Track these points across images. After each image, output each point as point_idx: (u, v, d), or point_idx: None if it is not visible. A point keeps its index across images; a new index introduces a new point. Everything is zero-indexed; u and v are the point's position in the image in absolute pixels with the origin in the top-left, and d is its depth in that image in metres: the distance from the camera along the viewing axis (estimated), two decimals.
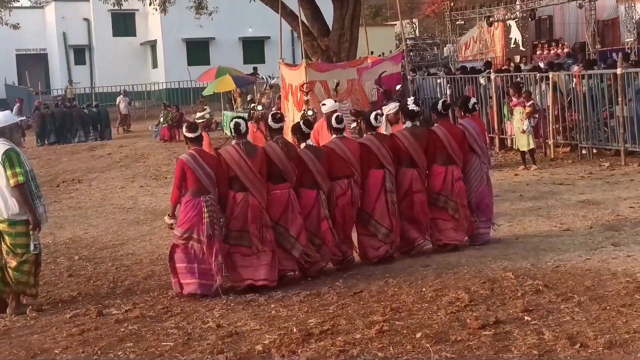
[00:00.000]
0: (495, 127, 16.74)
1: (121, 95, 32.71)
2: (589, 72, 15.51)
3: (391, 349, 5.36)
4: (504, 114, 16.17)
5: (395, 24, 46.11)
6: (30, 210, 7.24)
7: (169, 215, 7.86)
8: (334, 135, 8.44)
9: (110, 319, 6.81)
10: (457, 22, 40.18)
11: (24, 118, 25.18)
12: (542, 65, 22.15)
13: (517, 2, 33.27)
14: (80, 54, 45.43)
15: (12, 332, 6.72)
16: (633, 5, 29.59)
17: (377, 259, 8.36)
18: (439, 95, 17.87)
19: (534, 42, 32.70)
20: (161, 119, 27.11)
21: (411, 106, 8.76)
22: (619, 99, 13.87)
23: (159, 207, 13.22)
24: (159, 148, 23.77)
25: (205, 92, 28.72)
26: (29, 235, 7.28)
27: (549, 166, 14.43)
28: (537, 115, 14.70)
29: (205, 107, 26.01)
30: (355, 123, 11.69)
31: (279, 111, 11.04)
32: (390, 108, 10.43)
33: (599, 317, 5.73)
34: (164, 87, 40.40)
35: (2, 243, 7.35)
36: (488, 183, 9.11)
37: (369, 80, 15.35)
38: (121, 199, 15.00)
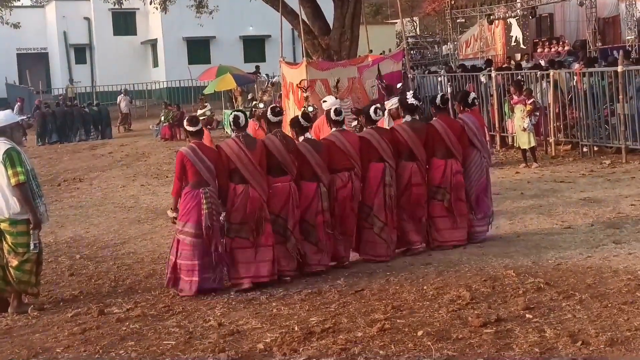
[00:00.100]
0: (496, 125, 16.73)
1: (122, 94, 32.73)
2: (590, 69, 15.50)
3: (393, 347, 5.37)
4: (505, 112, 16.16)
5: (396, 23, 46.05)
6: (31, 210, 7.24)
7: (171, 209, 7.90)
8: (333, 129, 8.46)
9: (112, 318, 6.82)
10: (458, 20, 40.12)
11: (25, 117, 25.21)
12: (542, 63, 22.13)
13: (518, 0, 33.27)
14: (80, 53, 45.42)
15: (13, 331, 6.72)
16: (634, 2, 29.55)
17: (381, 259, 8.35)
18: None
19: (535, 40, 32.68)
20: (162, 118, 27.15)
21: (410, 100, 8.78)
22: (620, 96, 13.86)
23: (160, 205, 13.21)
24: (160, 147, 23.78)
25: (206, 91, 28.75)
26: (30, 235, 7.29)
27: (550, 164, 14.42)
28: (538, 113, 14.69)
29: (206, 104, 26.01)
30: (356, 122, 11.68)
31: (277, 105, 11.02)
32: (393, 103, 10.44)
33: (600, 314, 5.73)
34: (165, 86, 40.43)
35: (4, 242, 7.35)
36: (487, 179, 9.11)
37: (370, 79, 15.33)
38: (122, 197, 15.00)
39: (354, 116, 12.49)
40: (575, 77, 15.59)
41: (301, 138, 8.16)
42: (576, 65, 17.73)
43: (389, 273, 7.68)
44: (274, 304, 6.95)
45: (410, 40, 43.71)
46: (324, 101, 11.18)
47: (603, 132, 14.70)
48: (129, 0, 25.16)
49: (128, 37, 44.57)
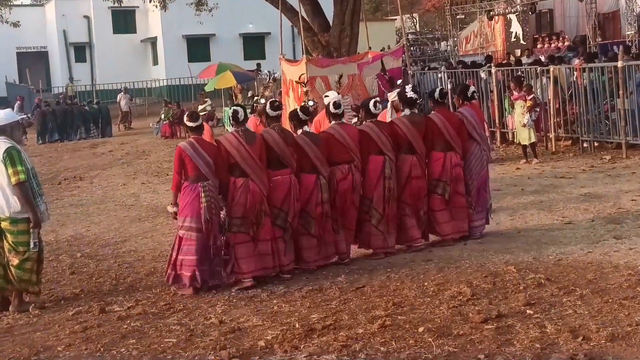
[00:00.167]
0: (497, 121, 16.73)
1: (122, 93, 32.72)
2: (590, 65, 15.49)
3: (394, 343, 5.37)
4: (505, 108, 16.17)
5: (396, 19, 46.01)
6: (31, 209, 7.24)
7: (171, 204, 7.92)
8: (332, 122, 8.47)
9: (113, 316, 6.82)
10: (458, 17, 40.09)
11: (25, 116, 25.19)
12: (542, 58, 22.11)
13: None
14: (80, 51, 45.39)
15: (15, 330, 6.73)
16: None
17: (377, 250, 8.37)
18: None
19: (535, 36, 32.63)
20: (162, 116, 27.16)
21: (409, 94, 8.78)
22: (620, 91, 13.86)
23: (160, 203, 13.22)
24: (160, 145, 23.79)
25: (206, 89, 28.73)
26: (30, 233, 7.29)
27: (551, 160, 14.43)
28: (538, 109, 14.69)
29: (206, 99, 25.99)
30: (357, 118, 11.68)
31: (277, 99, 11.02)
32: (396, 94, 10.43)
33: (601, 310, 5.73)
34: (165, 83, 40.43)
35: (4, 241, 7.35)
36: (487, 173, 9.11)
37: (370, 75, 15.33)
38: (123, 196, 15.01)
39: (354, 113, 12.49)
40: (575, 73, 15.58)
41: (299, 131, 8.17)
42: (576, 61, 17.72)
43: (389, 270, 7.69)
44: (274, 301, 6.95)
45: (410, 36, 43.65)
46: (326, 96, 11.19)
47: (603, 128, 14.70)
48: None
49: (128, 35, 44.54)
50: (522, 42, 33.10)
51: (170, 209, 7.96)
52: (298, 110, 8.43)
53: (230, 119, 7.91)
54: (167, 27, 41.65)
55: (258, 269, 7.62)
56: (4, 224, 7.30)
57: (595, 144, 14.88)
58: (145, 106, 36.37)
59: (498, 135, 16.78)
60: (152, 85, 40.73)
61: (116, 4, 24.24)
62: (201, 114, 14.70)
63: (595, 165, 13.34)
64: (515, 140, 15.72)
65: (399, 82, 15.66)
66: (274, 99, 9.19)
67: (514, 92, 14.95)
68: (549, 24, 33.46)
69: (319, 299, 6.83)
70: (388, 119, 9.63)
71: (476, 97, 9.61)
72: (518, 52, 30.79)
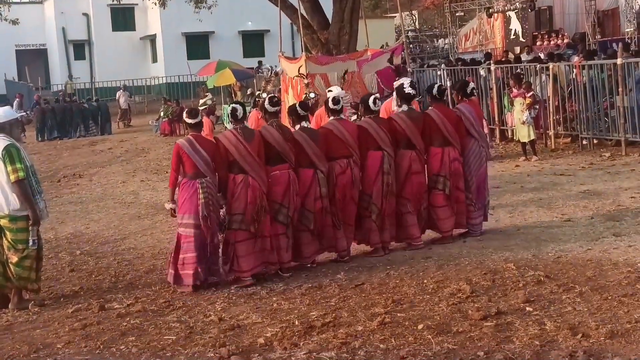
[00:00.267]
0: (496, 119, 16.73)
1: (121, 90, 32.71)
2: (589, 62, 15.49)
3: (393, 340, 5.37)
4: (505, 105, 16.16)
5: (395, 16, 46.00)
6: (30, 206, 7.24)
7: (168, 201, 7.92)
8: (331, 117, 8.48)
9: (113, 313, 6.82)
10: (457, 14, 40.09)
11: (24, 113, 25.20)
12: (542, 56, 22.11)
13: None
14: (79, 49, 45.38)
15: (14, 327, 6.73)
16: None
17: (374, 245, 8.38)
18: None
19: (534, 33, 32.62)
20: (161, 113, 27.15)
21: (407, 89, 8.78)
22: (620, 89, 13.85)
23: (159, 201, 13.21)
24: (160, 142, 23.79)
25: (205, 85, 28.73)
26: (29, 231, 7.28)
27: (550, 157, 14.42)
28: (537, 106, 14.68)
29: (207, 93, 25.98)
30: (356, 116, 11.68)
31: (275, 95, 11.03)
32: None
33: (600, 307, 5.74)
34: (164, 81, 40.42)
35: (3, 239, 7.35)
36: (485, 170, 9.11)
37: (369, 73, 15.32)
38: (122, 193, 15.00)
39: (354, 110, 12.49)
40: (574, 70, 15.57)
41: (297, 127, 8.17)
42: (575, 58, 17.73)
43: (389, 267, 7.69)
44: (274, 298, 6.95)
45: (410, 34, 43.64)
46: (330, 91, 11.20)
47: (603, 125, 14.70)
48: None
49: (127, 32, 44.53)
50: (521, 39, 33.09)
51: (168, 205, 7.97)
52: (297, 105, 8.43)
53: (229, 116, 7.91)
54: (166, 25, 41.65)
55: (257, 265, 7.63)
56: (3, 222, 7.30)
57: (595, 141, 14.88)
58: (144, 104, 36.37)
59: (497, 132, 16.78)
60: (151, 83, 40.71)
61: (115, 2, 24.24)
62: (202, 108, 14.70)
63: (595, 162, 13.35)
64: (514, 138, 15.72)
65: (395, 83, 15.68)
66: (272, 95, 9.19)
67: (513, 89, 14.94)
68: (548, 21, 33.44)
69: (319, 297, 6.83)
70: (393, 107, 9.63)
71: (475, 93, 9.60)
72: (517, 49, 30.79)
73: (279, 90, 18.10)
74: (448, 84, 17.73)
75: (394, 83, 10.68)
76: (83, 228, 11.83)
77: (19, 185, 7.18)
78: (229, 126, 8.59)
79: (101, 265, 9.19)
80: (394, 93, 10.08)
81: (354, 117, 11.86)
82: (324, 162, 8.08)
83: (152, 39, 44.39)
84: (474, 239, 8.68)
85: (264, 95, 15.26)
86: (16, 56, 45.77)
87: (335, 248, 8.23)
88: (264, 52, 42.08)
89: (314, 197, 7.97)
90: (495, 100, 16.66)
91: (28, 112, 30.94)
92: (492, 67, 17.11)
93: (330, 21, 18.07)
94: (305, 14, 18.02)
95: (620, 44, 17.55)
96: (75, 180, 17.49)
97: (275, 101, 8.20)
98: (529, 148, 14.52)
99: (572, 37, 30.24)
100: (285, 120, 9.07)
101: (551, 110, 15.33)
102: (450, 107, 10.67)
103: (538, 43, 30.83)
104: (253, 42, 43.70)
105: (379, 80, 15.20)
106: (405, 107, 8.76)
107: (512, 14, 33.70)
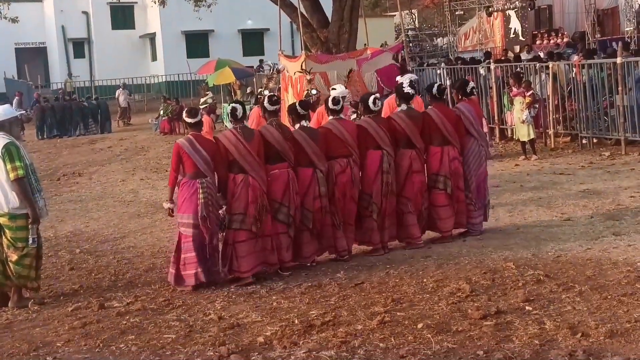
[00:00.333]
0: (496, 118, 16.73)
1: (120, 88, 32.69)
2: (589, 61, 15.48)
3: (392, 339, 5.37)
4: (504, 104, 16.16)
5: (395, 15, 45.99)
6: (29, 204, 7.23)
7: (167, 200, 7.91)
8: (330, 117, 8.48)
9: (112, 312, 6.82)
10: (457, 13, 40.07)
11: (24, 112, 25.19)
12: (542, 55, 22.11)
13: None
14: (79, 47, 45.37)
15: (14, 326, 6.73)
16: None
17: (376, 246, 8.38)
18: None
19: (534, 32, 32.59)
20: (161, 112, 27.13)
21: (406, 89, 8.78)
22: (619, 88, 13.85)
23: (159, 199, 13.19)
24: (159, 141, 23.79)
25: (205, 84, 28.69)
26: (29, 229, 7.28)
27: (550, 156, 14.42)
28: (537, 105, 14.67)
29: (208, 92, 25.96)
30: (355, 114, 11.68)
31: (275, 94, 11.03)
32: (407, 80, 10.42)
33: (600, 306, 5.74)
34: (164, 79, 40.38)
35: (3, 237, 7.35)
36: (485, 169, 9.11)
37: (369, 72, 15.32)
38: (122, 192, 15.00)
39: (353, 109, 12.49)
40: (574, 69, 15.57)
41: (297, 126, 8.17)
42: (575, 57, 17.71)
43: (388, 266, 7.69)
44: (274, 297, 6.95)
45: (410, 33, 43.63)
46: (333, 89, 11.21)
47: (602, 124, 14.70)
48: None
49: (126, 31, 44.50)
50: (521, 38, 33.08)
51: (166, 205, 7.96)
52: (297, 104, 8.42)
53: (229, 116, 7.90)
54: (165, 23, 41.64)
55: (257, 264, 7.62)
56: (3, 220, 7.30)
57: (594, 140, 14.88)
58: (144, 102, 36.35)
59: (497, 131, 16.78)
60: (151, 81, 40.69)
61: (115, 0, 24.20)
62: (202, 106, 14.68)
63: (594, 161, 13.35)
64: (514, 137, 15.72)
65: (397, 78, 15.67)
66: (272, 94, 9.19)
67: (513, 88, 14.94)
68: (548, 20, 33.42)
69: (318, 295, 6.83)
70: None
71: (475, 92, 9.60)
72: (517, 48, 30.79)
73: (279, 89, 18.12)
74: (448, 82, 17.74)
75: (398, 78, 10.67)
76: (83, 226, 11.83)
77: (18, 184, 7.18)
78: (229, 125, 8.57)
79: (101, 264, 9.18)
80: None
81: (354, 115, 11.86)
82: (323, 162, 8.08)
83: (152, 37, 44.37)
84: (474, 238, 8.68)
85: (266, 92, 15.25)
86: (16, 54, 45.75)
87: (334, 248, 8.22)
88: (264, 50, 42.08)
89: (313, 196, 7.97)
90: (494, 99, 16.66)
91: (28, 110, 30.94)
92: (492, 66, 17.11)
93: (329, 20, 18.06)
94: (304, 13, 18.01)
95: (620, 43, 17.55)
96: (75, 179, 17.49)
97: (275, 100, 8.20)
98: (528, 147, 14.52)
99: (571, 36, 30.22)
100: (284, 118, 9.06)
101: (551, 109, 15.33)
102: (450, 106, 10.67)
103: (538, 42, 30.81)
104: (253, 40, 43.70)
105: (379, 79, 15.20)
106: (404, 107, 8.76)
107: (512, 13, 33.69)
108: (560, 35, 30.82)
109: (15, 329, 6.59)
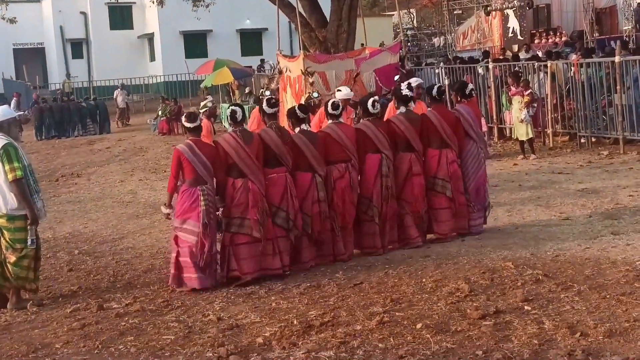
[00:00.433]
0: (494, 117, 16.73)
1: (118, 89, 32.68)
2: (587, 60, 15.48)
3: (391, 339, 5.37)
4: (503, 104, 16.16)
5: (393, 15, 45.98)
6: (28, 206, 7.23)
7: (165, 204, 7.90)
8: (329, 121, 8.46)
9: (111, 313, 6.81)
10: (455, 12, 40.08)
11: (22, 112, 25.17)
12: (540, 54, 22.11)
13: None
14: (77, 47, 45.37)
15: (13, 327, 6.72)
16: None
17: (372, 249, 8.37)
18: None
19: (532, 31, 32.63)
20: (159, 112, 27.13)
21: (405, 91, 8.77)
22: (618, 87, 13.85)
23: (158, 200, 13.20)
24: (158, 141, 23.78)
25: (203, 85, 28.69)
26: (27, 230, 7.28)
27: (548, 155, 14.43)
28: (535, 105, 14.67)
29: (207, 96, 25.97)
30: (355, 114, 11.68)
31: (273, 96, 11.04)
32: (414, 82, 10.45)
33: (598, 306, 5.74)
34: (162, 80, 40.38)
35: (1, 238, 7.34)
36: (485, 171, 9.10)
37: (367, 71, 15.33)
38: (120, 192, 15.00)
39: (352, 109, 12.48)
40: (572, 68, 15.57)
41: (297, 129, 8.15)
42: (573, 56, 17.70)
43: (387, 266, 7.68)
44: (272, 298, 6.95)
45: (408, 32, 43.64)
46: (339, 90, 11.21)
47: (601, 123, 14.70)
48: None
49: (125, 31, 44.49)
50: (519, 37, 33.11)
51: (164, 210, 7.92)
52: (296, 108, 8.39)
53: (229, 118, 7.86)
54: (164, 23, 41.63)
55: (258, 269, 7.59)
56: (1, 221, 7.30)
57: (593, 139, 14.88)
58: (142, 102, 36.35)
59: (495, 131, 16.78)
60: (149, 82, 40.68)
61: (113, 0, 24.21)
62: (202, 110, 14.69)
63: (593, 160, 13.35)
64: (512, 136, 15.72)
65: (396, 78, 15.68)
66: (270, 97, 9.19)
67: (511, 87, 14.94)
68: (546, 19, 33.47)
69: (317, 296, 6.82)
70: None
71: (474, 94, 9.59)
72: (515, 47, 30.82)
73: (277, 90, 18.13)
74: (446, 82, 17.74)
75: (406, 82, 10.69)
76: (81, 227, 11.82)
77: (16, 185, 7.18)
78: (228, 126, 8.56)
79: (99, 265, 9.18)
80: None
81: (353, 115, 11.86)
82: (322, 166, 8.06)
83: (150, 37, 44.37)
84: (473, 238, 8.67)
85: (267, 92, 15.29)
86: (14, 55, 45.76)
87: (333, 256, 8.17)
88: (262, 50, 42.10)
89: (312, 201, 7.94)
90: (493, 98, 16.65)
91: (26, 111, 30.92)
92: (490, 65, 17.10)
93: (328, 19, 18.06)
94: (303, 12, 18.02)
95: (618, 42, 17.54)
96: (74, 180, 17.49)
97: (273, 102, 8.18)
98: (527, 146, 14.52)
99: (570, 35, 30.25)
100: (283, 119, 9.06)
101: (549, 108, 15.33)
102: (449, 107, 10.66)
103: (536, 41, 30.85)
104: (251, 40, 43.69)
105: (377, 78, 15.22)
106: (403, 109, 8.75)
107: (510, 12, 33.72)
108: (558, 34, 30.86)
109: (14, 331, 6.58)
